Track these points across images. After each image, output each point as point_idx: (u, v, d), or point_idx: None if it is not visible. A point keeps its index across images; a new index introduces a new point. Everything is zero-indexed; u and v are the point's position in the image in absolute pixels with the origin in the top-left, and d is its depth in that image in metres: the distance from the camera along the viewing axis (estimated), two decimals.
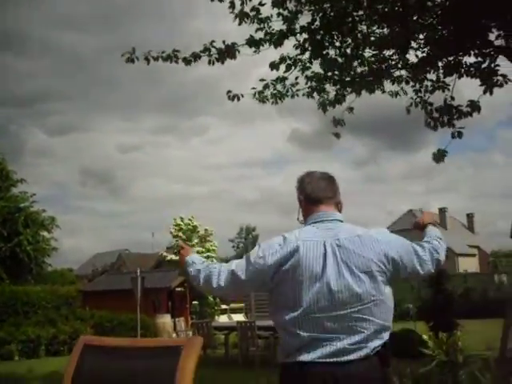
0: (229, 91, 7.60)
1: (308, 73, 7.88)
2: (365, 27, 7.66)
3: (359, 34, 7.69)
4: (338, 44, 7.68)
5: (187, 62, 7.07)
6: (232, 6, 6.92)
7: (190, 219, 23.15)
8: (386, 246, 2.32)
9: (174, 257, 21.63)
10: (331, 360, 2.13)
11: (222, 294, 2.51)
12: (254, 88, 7.77)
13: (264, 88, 7.76)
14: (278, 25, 7.27)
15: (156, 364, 2.00)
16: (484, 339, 10.11)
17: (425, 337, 3.08)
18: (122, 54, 7.01)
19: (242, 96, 7.66)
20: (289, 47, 7.55)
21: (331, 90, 8.11)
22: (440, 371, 2.97)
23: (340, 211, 2.51)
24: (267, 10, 7.17)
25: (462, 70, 7.61)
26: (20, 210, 30.32)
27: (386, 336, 2.30)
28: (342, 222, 2.44)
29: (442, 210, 54.34)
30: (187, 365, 1.85)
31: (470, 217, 58.39)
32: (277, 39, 7.13)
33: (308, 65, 7.77)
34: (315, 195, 2.49)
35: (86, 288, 27.94)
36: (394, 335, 9.37)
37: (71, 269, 58.90)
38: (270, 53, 7.62)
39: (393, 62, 7.98)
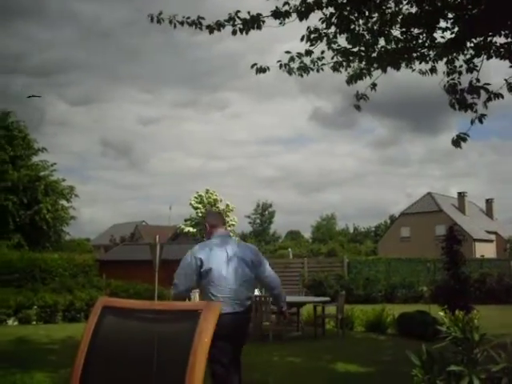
0: (254, 64, 7.53)
1: (334, 47, 7.79)
2: (393, 4, 7.54)
3: (387, 11, 7.57)
4: (364, 20, 7.56)
5: (211, 29, 6.99)
6: None
7: (211, 193, 23.18)
8: (252, 251, 4.86)
9: (191, 229, 21.74)
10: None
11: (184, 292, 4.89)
12: (279, 61, 7.69)
13: (289, 61, 7.68)
14: None
15: (174, 327, 2.01)
16: (499, 324, 10.08)
17: (441, 313, 3.05)
18: (149, 15, 6.95)
19: (268, 69, 7.59)
20: (314, 21, 7.45)
21: (357, 65, 8.01)
22: (455, 348, 2.94)
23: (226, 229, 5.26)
24: None
25: (492, 51, 7.46)
26: (40, 179, 30.64)
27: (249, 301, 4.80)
28: (230, 236, 5.25)
29: (461, 195, 53.88)
30: (205, 328, 1.85)
31: (489, 202, 57.85)
32: (303, 11, 7.02)
33: (334, 39, 7.67)
34: (214, 222, 4.99)
35: (102, 257, 28.27)
36: (408, 317, 9.38)
37: (88, 239, 59.62)
38: (294, 28, 7.52)
39: (420, 41, 7.85)
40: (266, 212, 77.93)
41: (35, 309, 14.86)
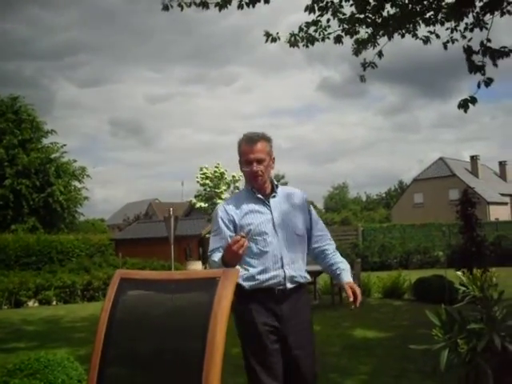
0: (266, 32, 7.47)
1: (340, 16, 7.69)
2: None
3: None
4: None
5: (220, 6, 6.93)
6: None
7: (216, 166, 23.17)
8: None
9: (203, 204, 21.78)
10: None
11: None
12: (290, 33, 7.62)
13: (298, 31, 7.61)
14: None
15: (193, 295, 2.01)
16: None
17: (458, 273, 3.04)
18: (161, 3, 6.91)
19: (279, 38, 7.52)
20: None
21: (363, 32, 7.91)
22: (474, 307, 2.94)
23: None
24: None
25: (504, 8, 7.29)
26: (51, 161, 30.81)
27: None
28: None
29: (474, 158, 53.48)
30: (224, 295, 1.86)
31: (502, 165, 57.35)
32: None
33: (340, 7, 7.57)
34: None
35: (117, 236, 28.49)
36: (425, 281, 9.41)
37: (103, 219, 60.03)
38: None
39: (426, 4, 7.71)
40: (279, 182, 77.86)
41: (54, 290, 15.05)
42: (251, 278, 3.10)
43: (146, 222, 35.13)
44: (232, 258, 2.86)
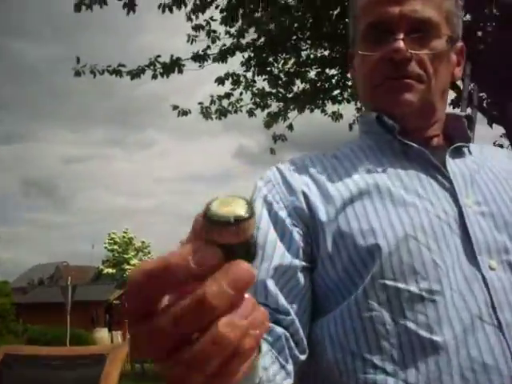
0: (176, 106, 7.63)
1: (253, 89, 8.01)
2: (308, 46, 7.85)
3: (302, 53, 7.87)
4: (281, 62, 7.84)
5: (132, 75, 7.05)
6: (189, 18, 7.00)
7: (124, 232, 22.85)
8: None
9: (110, 270, 21.31)
10: None
11: None
12: (200, 103, 7.83)
13: (210, 104, 7.84)
14: (227, 42, 7.40)
15: (79, 372, 1.98)
16: None
17: None
18: (73, 68, 6.94)
19: (190, 112, 7.70)
20: (235, 64, 7.67)
21: (275, 106, 8.25)
22: None
23: None
24: (216, 28, 7.29)
25: None
26: None
27: None
28: None
29: None
30: (111, 374, 1.84)
31: None
32: (221, 55, 7.22)
33: (252, 80, 7.89)
34: None
35: (20, 300, 27.11)
36: None
37: (7, 281, 56.94)
38: (218, 69, 7.70)
39: (334, 82, 8.18)
40: None
41: None
42: None
43: (51, 286, 33.75)
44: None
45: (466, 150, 1.03)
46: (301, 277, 0.87)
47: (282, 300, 0.84)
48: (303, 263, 0.88)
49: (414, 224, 0.86)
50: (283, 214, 0.91)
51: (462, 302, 0.82)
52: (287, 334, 0.83)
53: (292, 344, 0.83)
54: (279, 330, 0.82)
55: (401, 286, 0.82)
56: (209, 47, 7.28)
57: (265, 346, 0.76)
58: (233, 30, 7.33)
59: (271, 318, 0.82)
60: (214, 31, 7.25)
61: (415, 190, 0.91)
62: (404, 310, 0.82)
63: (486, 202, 0.92)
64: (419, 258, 0.83)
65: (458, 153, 1.00)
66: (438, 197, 0.91)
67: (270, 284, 0.85)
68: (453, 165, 0.96)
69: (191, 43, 7.17)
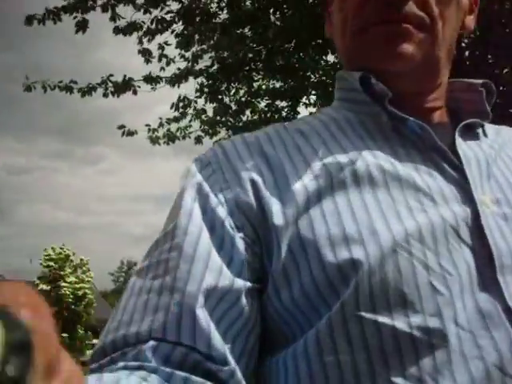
0: (122, 126, 7.53)
1: (202, 116, 8.02)
2: (260, 77, 7.94)
3: (254, 84, 7.95)
4: (233, 91, 7.90)
5: (83, 93, 6.94)
6: (140, 41, 6.96)
7: (61, 248, 22.28)
8: None
9: (45, 286, 20.67)
10: None
11: None
12: (148, 125, 7.76)
13: (158, 126, 7.78)
14: (182, 65, 7.40)
15: None
16: None
17: None
18: (23, 84, 6.76)
19: (136, 132, 7.61)
20: (188, 89, 7.66)
21: (223, 134, 8.28)
22: None
23: None
24: (172, 52, 7.28)
25: None
26: None
27: None
28: None
29: None
30: None
31: None
32: (174, 79, 7.21)
33: (202, 108, 7.91)
34: None
35: None
36: None
37: None
38: (172, 92, 7.66)
39: (284, 114, 8.29)
40: (131, 270, 76.32)
41: None
42: None
43: None
44: None
45: (480, 130, 0.77)
46: (245, 303, 0.62)
47: (217, 341, 0.58)
48: (249, 284, 0.63)
49: (406, 230, 0.60)
50: (223, 211, 0.65)
51: (474, 348, 0.56)
52: None
53: None
54: None
55: (383, 320, 0.57)
56: (163, 69, 7.25)
57: None
58: (188, 54, 7.35)
59: (200, 368, 0.57)
60: (166, 56, 7.23)
61: (410, 181, 0.65)
62: (387, 356, 0.56)
63: (508, 202, 0.66)
64: (412, 281, 0.58)
65: (469, 133, 0.74)
66: (442, 192, 0.65)
67: (201, 316, 0.58)
68: (465, 148, 0.71)
69: (147, 63, 7.12)
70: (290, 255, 0.61)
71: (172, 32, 7.02)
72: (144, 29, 6.81)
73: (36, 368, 0.24)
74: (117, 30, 6.65)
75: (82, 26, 6.35)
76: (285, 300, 0.61)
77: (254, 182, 0.66)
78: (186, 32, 6.99)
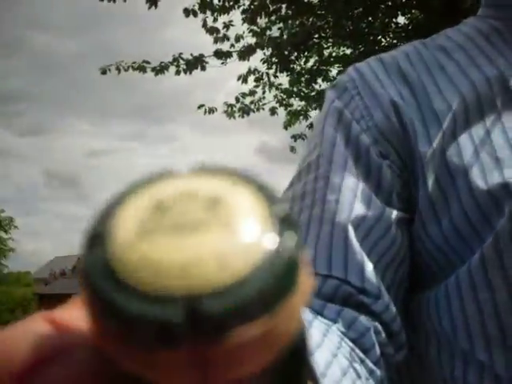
0: (201, 105, 7.69)
1: (274, 88, 8.08)
2: (330, 44, 7.87)
3: (324, 51, 7.89)
4: (303, 60, 7.87)
5: (156, 72, 7.15)
6: (204, 24, 7.07)
7: None
8: None
9: None
10: None
11: None
12: (226, 102, 7.89)
13: (236, 102, 7.91)
14: (250, 40, 7.47)
15: None
16: None
17: None
18: (100, 68, 7.05)
19: (216, 110, 7.77)
20: (256, 62, 7.72)
21: (297, 104, 8.30)
22: None
23: None
24: (238, 29, 7.37)
25: None
26: None
27: None
28: None
29: None
30: None
31: None
32: (243, 52, 7.27)
33: (273, 80, 7.96)
34: None
35: (42, 291, 27.53)
36: None
37: (28, 271, 57.64)
38: (240, 67, 7.77)
39: None
40: None
41: None
42: None
43: (72, 277, 34.18)
44: None
45: None
46: (396, 233, 0.58)
47: (369, 273, 0.55)
48: (399, 213, 0.59)
49: None
50: (366, 139, 0.60)
51: None
52: (378, 326, 0.55)
53: (385, 339, 0.55)
54: (365, 320, 0.54)
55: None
56: (232, 46, 7.34)
57: (342, 350, 0.51)
58: (256, 28, 7.39)
59: (352, 301, 0.55)
60: (228, 37, 7.28)
61: None
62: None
63: None
64: None
65: None
66: None
67: (352, 247, 0.56)
68: None
69: (216, 43, 7.24)
70: (437, 185, 0.57)
71: (238, 7, 7.07)
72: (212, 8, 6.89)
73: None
74: (186, 12, 6.78)
75: (153, 2, 6.51)
76: (433, 235, 0.57)
77: (395, 106, 0.61)
78: (252, 7, 7.01)
